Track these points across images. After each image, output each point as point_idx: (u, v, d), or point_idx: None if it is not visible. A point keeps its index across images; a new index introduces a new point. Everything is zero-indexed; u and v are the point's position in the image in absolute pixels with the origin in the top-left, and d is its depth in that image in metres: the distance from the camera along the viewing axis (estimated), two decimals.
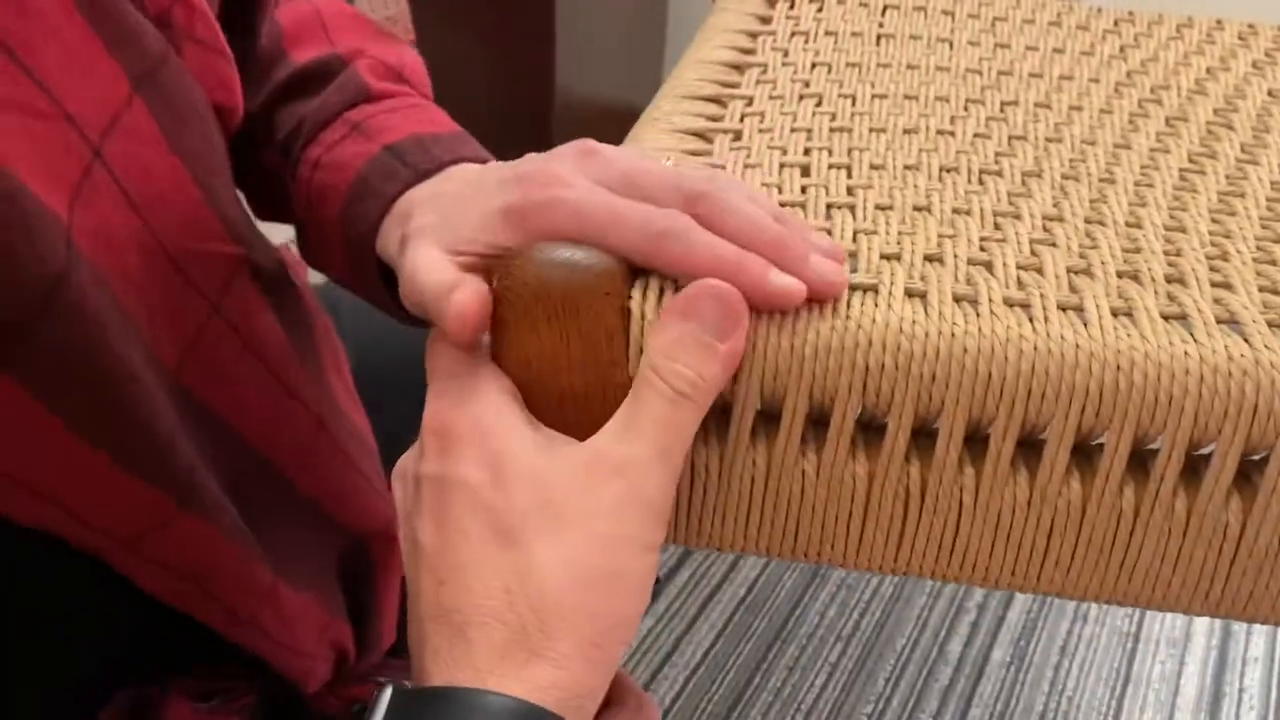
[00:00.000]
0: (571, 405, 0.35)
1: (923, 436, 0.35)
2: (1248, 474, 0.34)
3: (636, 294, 0.34)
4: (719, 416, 0.35)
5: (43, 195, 0.35)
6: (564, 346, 0.34)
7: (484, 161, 0.48)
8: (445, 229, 0.39)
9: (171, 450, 0.40)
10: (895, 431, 0.34)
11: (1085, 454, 0.35)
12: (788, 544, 0.36)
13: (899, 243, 0.38)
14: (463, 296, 0.35)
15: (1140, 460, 0.35)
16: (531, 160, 0.37)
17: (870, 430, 0.35)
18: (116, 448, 0.38)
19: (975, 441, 0.35)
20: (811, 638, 1.02)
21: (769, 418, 0.35)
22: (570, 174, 0.36)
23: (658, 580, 0.98)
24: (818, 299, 0.34)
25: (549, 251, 0.34)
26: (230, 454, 0.45)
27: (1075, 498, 0.34)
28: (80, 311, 0.36)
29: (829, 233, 0.39)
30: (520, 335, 0.34)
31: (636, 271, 0.35)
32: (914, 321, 0.33)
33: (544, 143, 0.49)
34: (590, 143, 0.37)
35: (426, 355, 0.37)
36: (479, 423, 0.34)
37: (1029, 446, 0.35)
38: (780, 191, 0.43)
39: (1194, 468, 0.34)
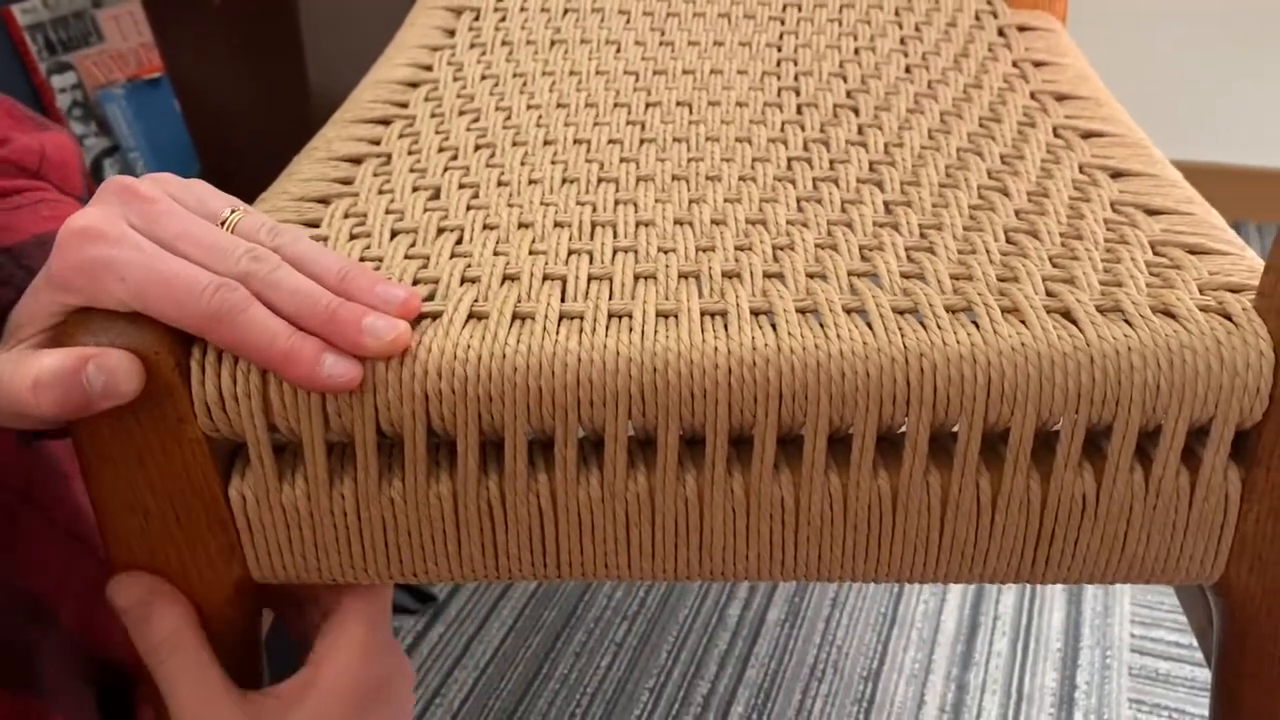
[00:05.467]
0: (151, 466, 0.36)
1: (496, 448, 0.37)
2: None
3: (196, 350, 0.35)
4: (296, 457, 0.37)
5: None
6: (129, 412, 0.35)
7: None
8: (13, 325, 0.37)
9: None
10: (465, 452, 0.36)
11: (649, 448, 0.37)
12: (393, 567, 0.38)
13: (481, 264, 0.40)
14: (35, 370, 0.33)
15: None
16: (76, 217, 0.35)
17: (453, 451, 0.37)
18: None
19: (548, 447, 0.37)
20: (599, 620, 1.05)
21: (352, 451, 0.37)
22: (112, 225, 0.34)
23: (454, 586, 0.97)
24: (380, 359, 0.35)
25: (87, 333, 0.34)
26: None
27: (643, 491, 0.37)
28: None
29: (426, 261, 0.41)
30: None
31: None
32: (469, 346, 0.35)
33: None
34: (133, 185, 0.36)
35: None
36: None
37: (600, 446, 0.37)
38: (403, 217, 0.44)
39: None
